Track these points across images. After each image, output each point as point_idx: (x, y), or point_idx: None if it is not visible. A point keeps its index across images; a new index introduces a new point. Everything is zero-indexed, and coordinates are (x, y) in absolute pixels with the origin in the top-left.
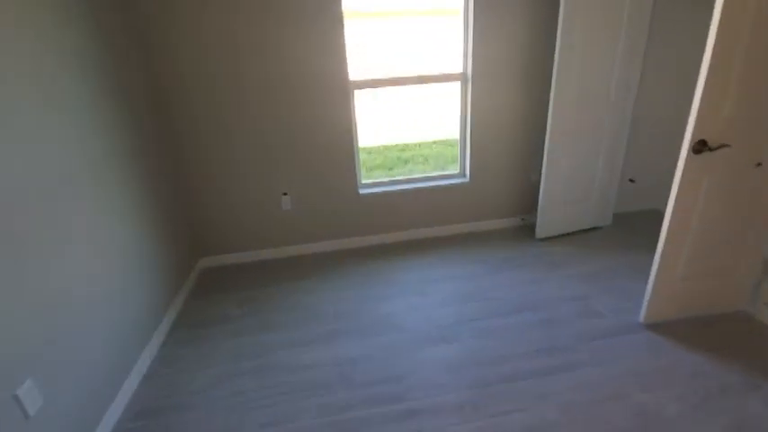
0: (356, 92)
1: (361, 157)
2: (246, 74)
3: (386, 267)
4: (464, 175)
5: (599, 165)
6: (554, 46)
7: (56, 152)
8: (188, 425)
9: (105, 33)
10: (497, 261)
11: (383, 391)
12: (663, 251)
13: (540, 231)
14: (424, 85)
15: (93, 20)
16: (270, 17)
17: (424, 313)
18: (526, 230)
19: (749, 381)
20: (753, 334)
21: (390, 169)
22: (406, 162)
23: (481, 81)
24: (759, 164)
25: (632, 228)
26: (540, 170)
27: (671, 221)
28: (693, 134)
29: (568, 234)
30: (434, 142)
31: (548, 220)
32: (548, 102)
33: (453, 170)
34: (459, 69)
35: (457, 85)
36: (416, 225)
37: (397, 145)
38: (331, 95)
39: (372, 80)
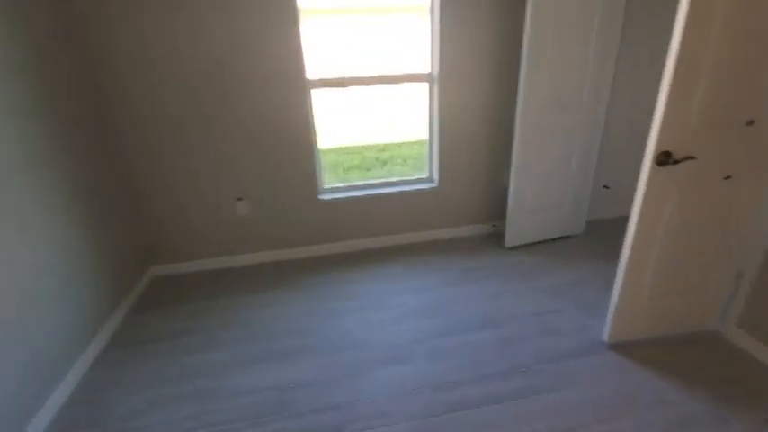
0: (314, 91)
1: (338, 157)
2: (195, 70)
3: (347, 278)
4: (432, 180)
5: (571, 170)
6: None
7: None
8: None
9: (35, 35)
10: (463, 272)
11: (323, 420)
12: (627, 267)
13: (510, 240)
14: (391, 84)
15: (25, 19)
16: (218, 13)
17: (380, 330)
18: (496, 238)
19: (715, 412)
20: (722, 356)
21: (368, 170)
22: (385, 163)
23: (449, 82)
24: (728, 177)
25: (606, 236)
26: (509, 175)
27: (635, 236)
28: (657, 145)
29: (539, 242)
30: (416, 143)
31: (517, 228)
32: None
33: (422, 174)
34: (426, 69)
35: (425, 86)
36: (382, 232)
37: (377, 145)
38: (288, 95)
39: (332, 79)
